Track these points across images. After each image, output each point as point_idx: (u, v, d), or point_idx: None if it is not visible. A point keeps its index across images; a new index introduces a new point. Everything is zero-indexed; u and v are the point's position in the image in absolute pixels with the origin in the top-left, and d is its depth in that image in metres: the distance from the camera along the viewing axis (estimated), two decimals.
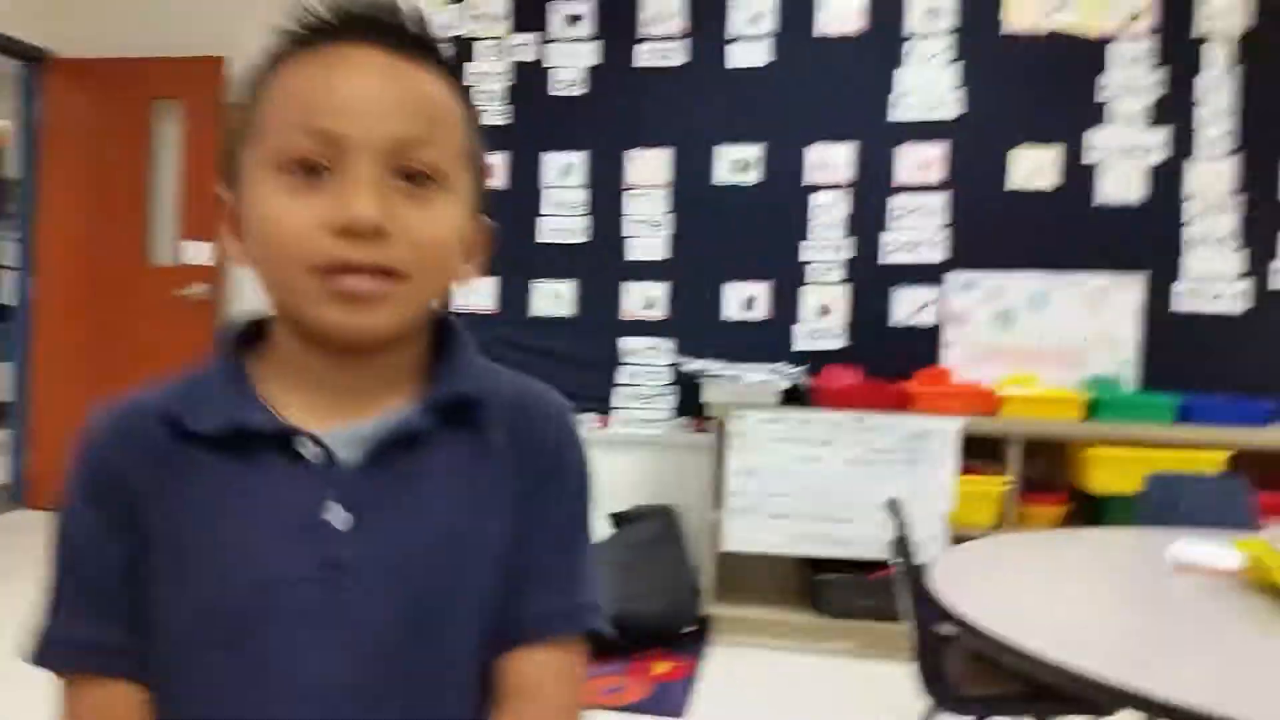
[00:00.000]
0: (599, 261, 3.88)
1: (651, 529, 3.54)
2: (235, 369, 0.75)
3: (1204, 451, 3.16)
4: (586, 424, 3.88)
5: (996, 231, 3.67)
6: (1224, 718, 1.39)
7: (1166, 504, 2.67)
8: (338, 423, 0.73)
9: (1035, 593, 2.09)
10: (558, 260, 3.92)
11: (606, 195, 3.88)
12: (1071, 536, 2.89)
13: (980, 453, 3.43)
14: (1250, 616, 1.86)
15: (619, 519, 3.61)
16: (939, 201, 3.69)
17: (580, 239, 3.91)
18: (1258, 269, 3.56)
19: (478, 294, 3.94)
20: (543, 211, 3.93)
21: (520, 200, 3.92)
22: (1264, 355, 3.55)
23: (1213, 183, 3.57)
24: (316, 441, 0.72)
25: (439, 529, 0.74)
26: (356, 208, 0.67)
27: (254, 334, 0.78)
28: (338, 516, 0.71)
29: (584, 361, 3.88)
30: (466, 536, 0.75)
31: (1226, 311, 3.58)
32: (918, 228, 3.71)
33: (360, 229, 0.67)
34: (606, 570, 3.33)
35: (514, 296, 3.95)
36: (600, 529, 3.56)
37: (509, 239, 3.92)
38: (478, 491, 0.76)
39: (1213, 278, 3.58)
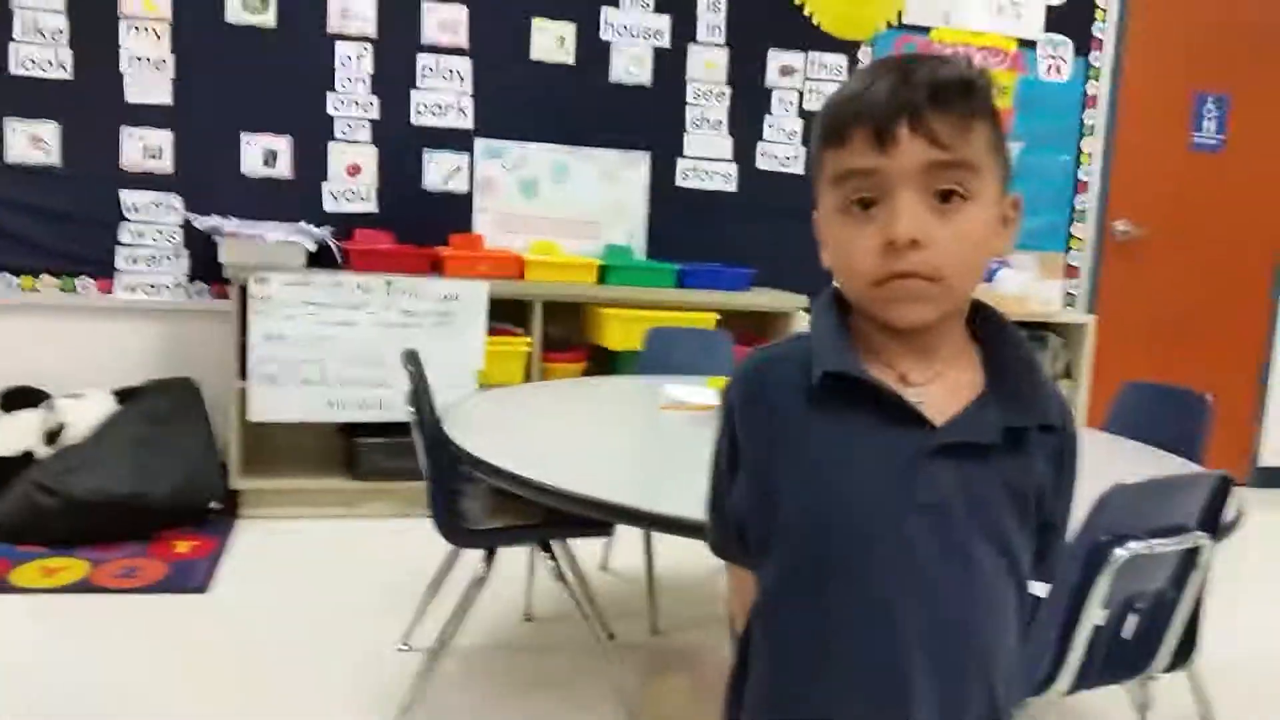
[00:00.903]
0: (87, 102, 3.38)
1: (167, 403, 3.26)
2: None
3: (698, 312, 3.59)
4: (84, 290, 3.43)
5: (519, 101, 3.77)
6: (700, 522, 1.63)
7: (664, 356, 3.00)
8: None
9: (546, 433, 2.26)
10: (34, 97, 3.34)
11: (95, 25, 3.36)
12: (577, 384, 3.16)
13: (507, 315, 3.59)
14: None
15: (129, 394, 3.27)
16: (465, 66, 3.70)
17: (62, 74, 3.36)
18: (746, 152, 4.06)
19: None
20: (16, 37, 3.31)
21: None
22: (749, 230, 4.07)
23: (710, 70, 3.97)
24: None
25: None
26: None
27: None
28: None
29: (77, 218, 3.39)
30: None
31: (720, 189, 4.04)
32: (445, 90, 3.70)
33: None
34: (117, 448, 3.03)
35: None
36: (106, 403, 3.21)
37: None
38: None
39: (709, 158, 4.01)
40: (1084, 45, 4.36)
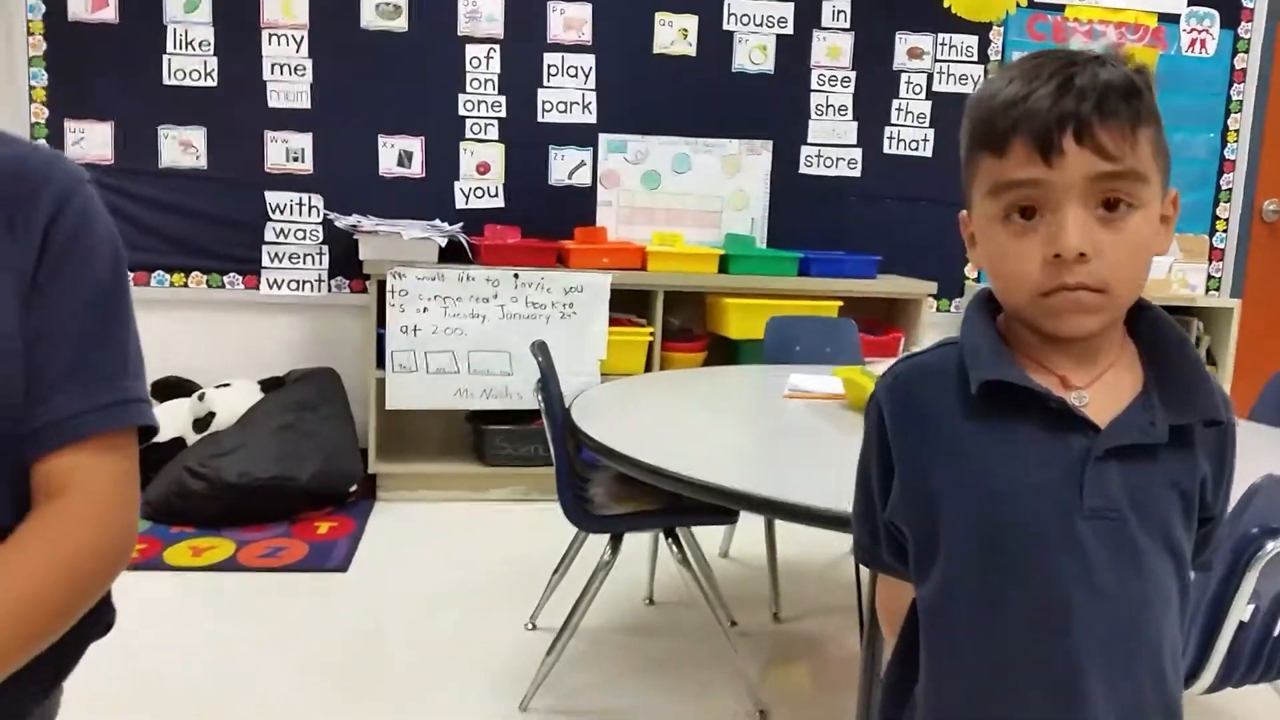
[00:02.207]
0: (233, 109, 3.58)
1: (310, 391, 3.43)
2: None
3: (821, 300, 3.56)
4: (232, 285, 3.64)
5: (641, 95, 3.81)
6: (817, 509, 1.63)
7: (786, 344, 2.99)
8: None
9: (670, 421, 2.29)
10: (185, 105, 3.56)
11: (238, 34, 3.55)
12: (703, 374, 3.18)
13: (630, 306, 3.64)
14: (846, 428, 2.17)
15: (274, 383, 3.46)
16: (589, 63, 3.76)
17: (210, 82, 3.57)
18: (872, 137, 3.99)
19: (88, 141, 3.50)
20: (168, 50, 3.53)
21: (139, 35, 3.49)
22: (874, 216, 4.01)
23: (834, 55, 3.92)
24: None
25: None
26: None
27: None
28: None
29: (225, 219, 3.60)
30: None
31: (845, 175, 3.99)
32: (570, 88, 3.77)
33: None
34: (263, 434, 3.20)
35: (136, 145, 3.54)
36: (252, 393, 3.40)
37: (127, 79, 3.51)
38: None
39: (833, 144, 3.97)
40: (1232, 17, 4.13)
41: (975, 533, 0.84)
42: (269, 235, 3.63)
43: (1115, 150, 0.77)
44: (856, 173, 4.01)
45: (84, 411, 0.73)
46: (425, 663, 2.36)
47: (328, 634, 2.47)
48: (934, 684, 0.89)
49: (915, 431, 0.87)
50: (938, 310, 4.10)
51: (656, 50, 3.81)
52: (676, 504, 2.18)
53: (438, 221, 3.60)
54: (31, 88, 3.48)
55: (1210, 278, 4.26)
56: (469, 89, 3.70)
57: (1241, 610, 1.40)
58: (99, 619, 0.75)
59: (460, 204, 3.74)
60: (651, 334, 3.56)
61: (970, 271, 4.17)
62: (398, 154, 3.68)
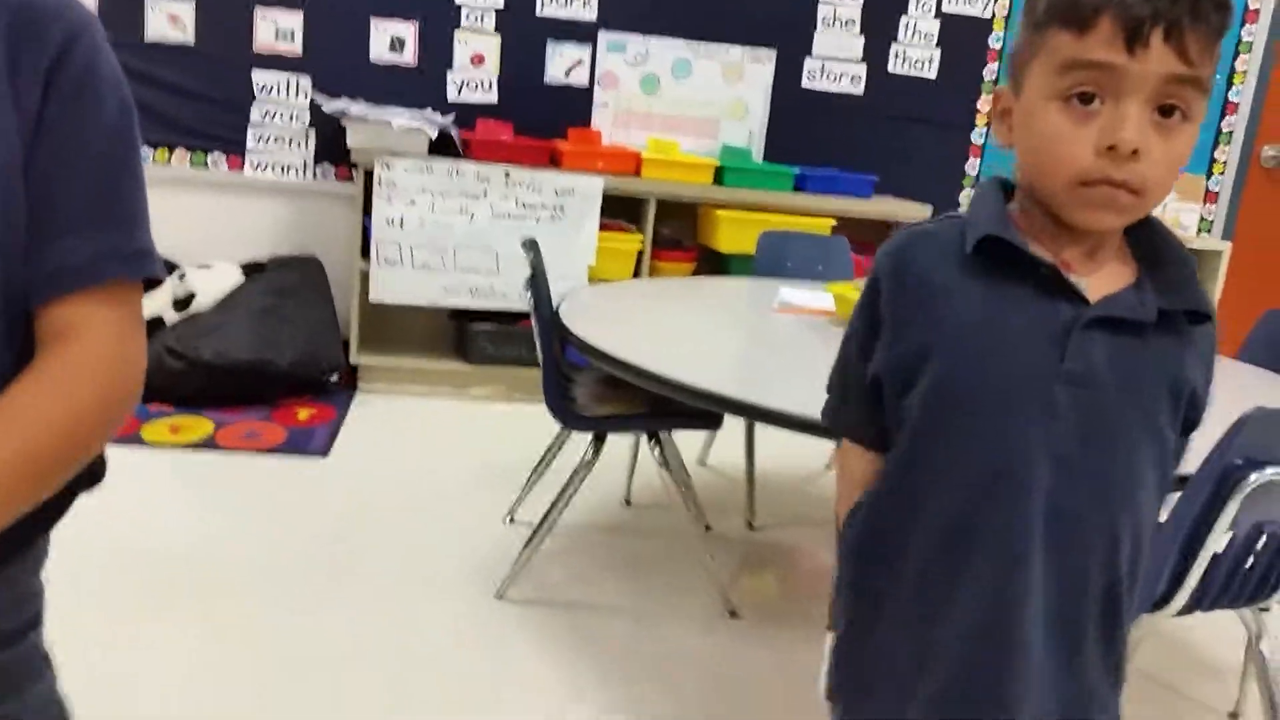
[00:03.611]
0: None
1: (292, 277, 3.39)
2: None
3: (815, 218, 3.52)
4: (215, 165, 3.55)
5: None
6: (803, 417, 1.63)
7: (778, 259, 2.97)
8: None
9: (655, 326, 2.28)
10: None
11: None
12: (693, 283, 3.16)
13: (621, 212, 3.59)
14: (836, 343, 2.16)
15: (256, 268, 3.40)
16: None
17: None
18: (877, 54, 3.91)
19: None
20: None
21: None
22: (873, 135, 3.96)
23: None
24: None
25: None
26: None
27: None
28: None
29: (212, 98, 3.50)
30: None
31: (847, 91, 3.92)
32: None
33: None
34: (243, 317, 3.16)
35: (121, 15, 3.41)
36: (233, 276, 3.34)
37: None
38: None
39: (838, 58, 3.89)
40: None
41: (950, 388, 0.86)
42: (254, 116, 3.53)
43: (1195, 57, 0.78)
44: (859, 90, 3.93)
45: (97, 257, 0.70)
46: (403, 551, 2.38)
47: (306, 518, 2.48)
48: (892, 551, 0.91)
49: (910, 290, 0.89)
50: None
51: None
52: (660, 408, 2.18)
53: (429, 112, 3.51)
54: None
55: (1203, 219, 4.25)
56: None
57: (1220, 540, 1.42)
58: (90, 471, 0.73)
59: (452, 96, 3.64)
60: (641, 242, 3.52)
61: (965, 198, 4.14)
62: (390, 39, 3.56)
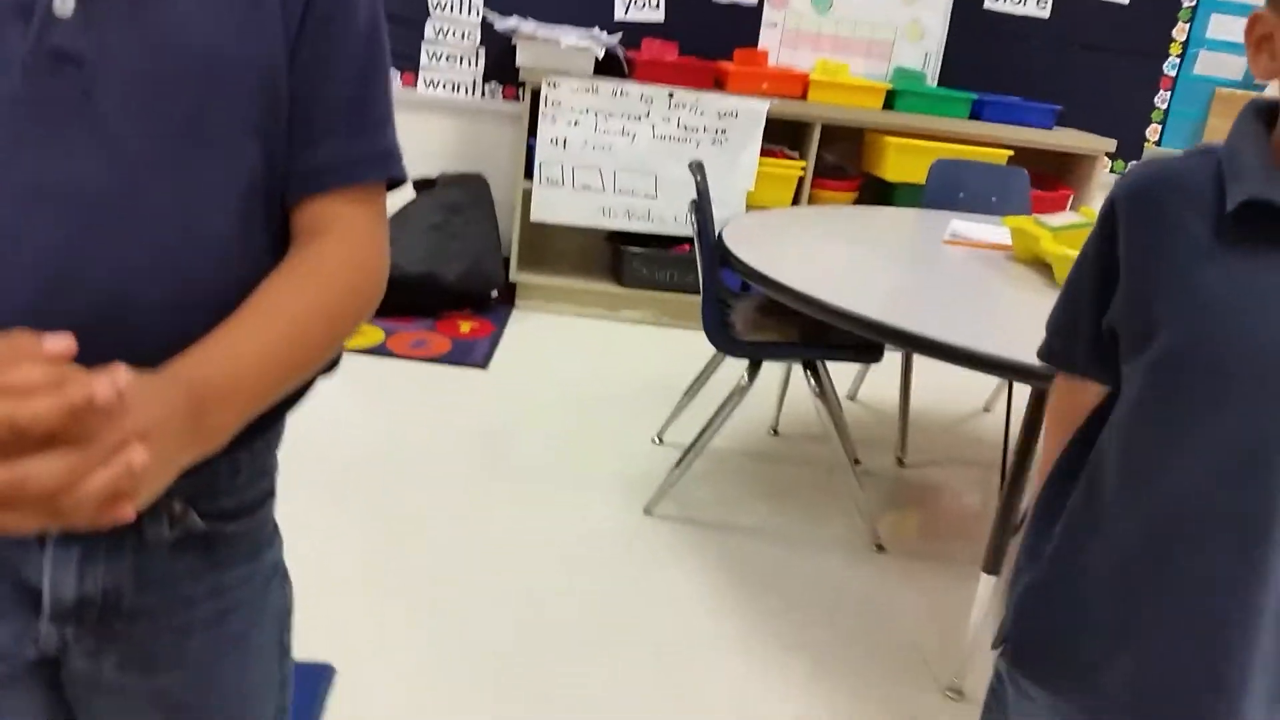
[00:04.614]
0: None
1: (460, 194, 3.48)
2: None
3: (991, 148, 3.37)
4: (395, 79, 3.65)
5: None
6: (973, 350, 1.59)
7: (950, 190, 2.86)
8: None
9: (818, 255, 2.24)
10: None
11: None
12: (856, 212, 3.08)
13: (784, 137, 3.51)
14: (1011, 279, 2.09)
15: (427, 183, 3.51)
16: None
17: None
18: None
19: None
20: None
21: None
22: (1058, 63, 3.73)
23: None
24: None
25: (193, 35, 0.66)
26: None
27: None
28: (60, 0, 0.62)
29: (388, 12, 3.57)
30: (225, 50, 0.67)
31: (1032, 14, 3.69)
32: None
33: None
34: (414, 231, 3.28)
35: None
36: (405, 190, 3.46)
37: None
38: (240, 1, 0.68)
39: None
40: None
41: (1197, 359, 0.78)
42: (428, 33, 3.61)
43: None
44: (1045, 13, 3.69)
45: (352, 159, 0.73)
46: (557, 461, 2.46)
47: (467, 425, 2.59)
48: (1107, 521, 0.85)
49: (1155, 243, 0.80)
50: (1112, 171, 3.83)
51: None
52: (818, 337, 2.16)
53: (596, 30, 3.50)
54: None
55: None
56: None
57: None
58: (333, 359, 0.78)
59: (619, 14, 3.62)
60: (803, 168, 3.45)
61: (1152, 134, 3.86)
62: None
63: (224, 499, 0.78)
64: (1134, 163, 0.86)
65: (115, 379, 0.55)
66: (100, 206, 0.64)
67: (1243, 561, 0.78)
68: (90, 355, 0.62)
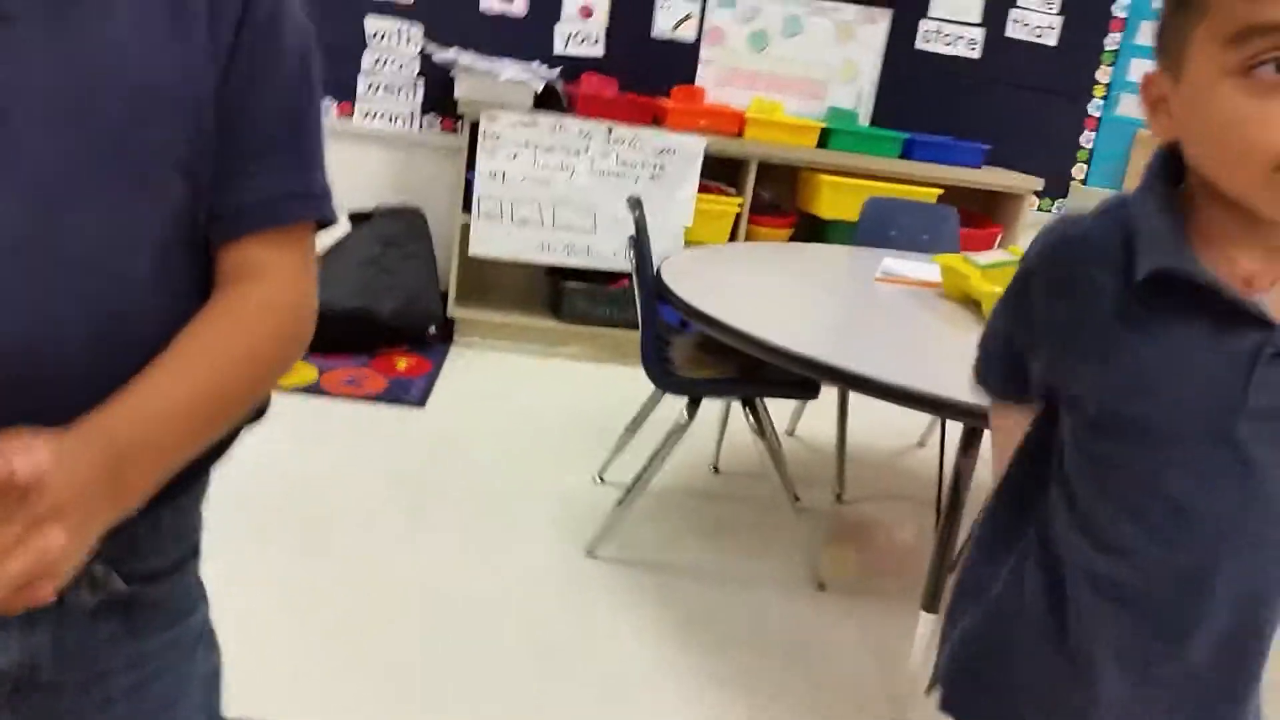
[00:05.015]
0: None
1: (396, 228, 3.44)
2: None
3: (923, 187, 3.43)
4: (326, 111, 3.61)
5: None
6: (906, 388, 1.60)
7: (882, 227, 2.90)
8: None
9: (755, 291, 2.26)
10: None
11: None
12: (793, 249, 3.12)
13: (720, 173, 3.54)
14: (941, 316, 2.12)
15: (363, 216, 3.47)
16: None
17: None
18: (996, 17, 3.77)
19: None
20: None
21: None
22: (987, 103, 3.82)
23: None
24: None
25: (116, 63, 0.63)
26: None
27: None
28: None
29: (324, 42, 3.53)
30: (149, 78, 0.65)
31: (963, 55, 3.79)
32: None
33: None
34: (349, 265, 3.23)
35: None
36: (341, 223, 3.41)
37: None
38: (167, 27, 0.65)
39: (956, 20, 3.75)
40: None
41: (1119, 421, 0.79)
42: (365, 63, 3.58)
43: None
44: (975, 54, 3.80)
45: (282, 198, 0.71)
46: (497, 500, 2.42)
47: (403, 465, 2.54)
48: (1054, 554, 0.85)
49: (1066, 303, 0.81)
50: (1038, 209, 3.94)
51: None
52: (756, 374, 2.16)
53: (535, 64, 3.51)
54: None
55: None
56: None
57: None
58: (259, 407, 0.75)
59: (559, 49, 3.63)
60: (740, 204, 3.48)
61: (1078, 173, 3.98)
62: None
63: (147, 559, 0.74)
64: (1048, 220, 0.87)
65: (34, 456, 0.52)
66: (15, 247, 0.61)
67: (1179, 618, 0.78)
68: (5, 405, 0.59)
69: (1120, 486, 0.80)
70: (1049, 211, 3.98)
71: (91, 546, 0.58)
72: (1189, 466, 0.76)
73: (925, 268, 2.37)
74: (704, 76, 3.72)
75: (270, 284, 0.71)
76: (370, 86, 3.60)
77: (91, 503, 0.57)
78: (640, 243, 2.20)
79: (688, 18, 3.65)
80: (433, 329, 3.44)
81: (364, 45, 3.56)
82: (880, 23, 3.73)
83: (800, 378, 2.07)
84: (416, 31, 3.56)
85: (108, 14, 0.63)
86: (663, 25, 3.66)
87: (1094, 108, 3.92)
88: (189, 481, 0.74)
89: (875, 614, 2.16)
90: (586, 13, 3.61)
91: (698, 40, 3.68)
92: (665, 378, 2.20)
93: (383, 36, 3.56)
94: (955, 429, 1.93)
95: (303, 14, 0.74)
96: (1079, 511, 0.83)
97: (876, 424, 3.02)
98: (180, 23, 0.66)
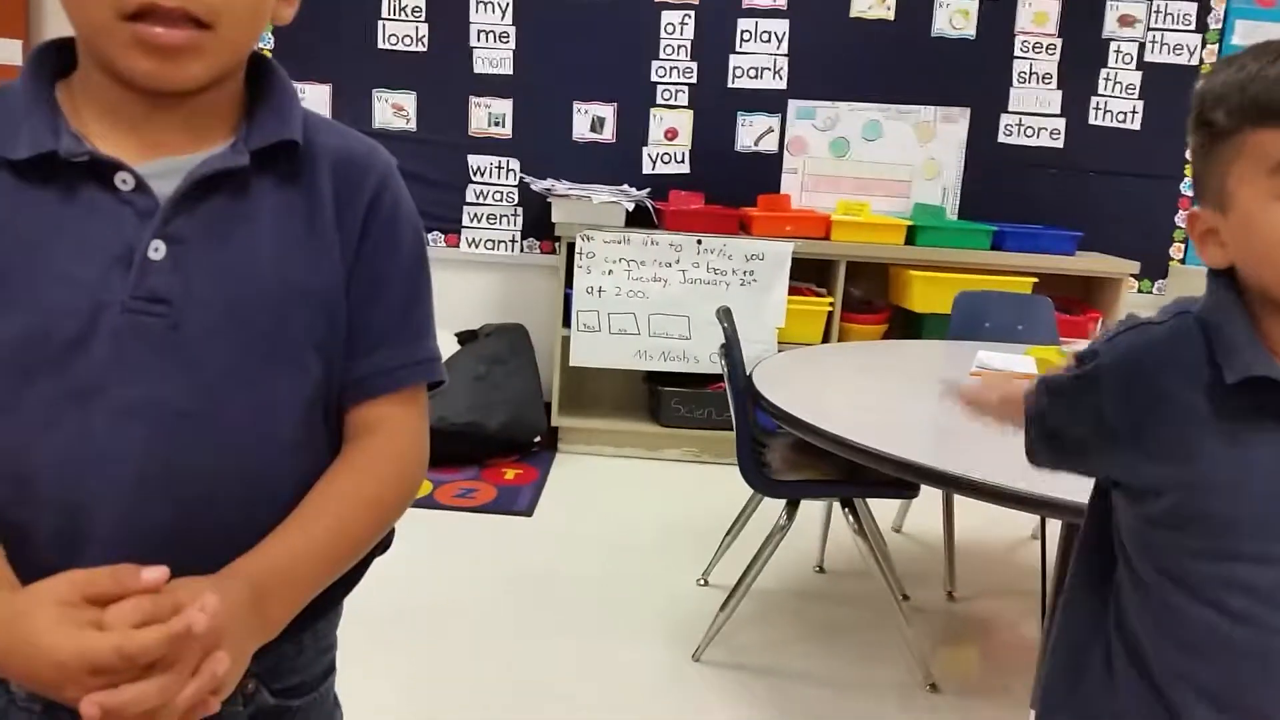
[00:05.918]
0: (441, 74, 3.76)
1: (502, 345, 3.61)
2: (46, 96, 0.74)
3: (1014, 276, 3.45)
4: (434, 243, 3.85)
5: (835, 61, 3.76)
6: (1007, 488, 1.62)
7: (976, 320, 2.93)
8: (151, 160, 0.73)
9: (848, 391, 2.30)
10: (397, 69, 3.76)
11: (448, 1, 3.72)
12: (884, 346, 3.15)
13: (811, 275, 3.63)
14: None
15: (470, 335, 3.65)
16: (783, 28, 3.74)
17: (420, 47, 3.75)
18: (1077, 107, 3.81)
19: (308, 101, 3.76)
20: (383, 15, 3.74)
21: (356, 1, 3.71)
22: (1075, 190, 3.84)
23: (1040, 22, 3.75)
24: (131, 174, 0.72)
25: (266, 272, 0.76)
26: None
27: (64, 61, 0.76)
28: (154, 248, 0.72)
29: (432, 180, 3.81)
30: (293, 282, 0.78)
31: (1046, 145, 3.83)
32: (762, 53, 3.76)
33: None
34: (458, 383, 3.40)
35: (352, 106, 3.78)
36: (449, 344, 3.60)
37: (345, 43, 3.73)
38: (306, 240, 0.79)
39: (1035, 113, 3.81)
40: None
41: (1195, 519, 0.82)
42: (469, 196, 3.82)
43: None
44: (1059, 144, 3.83)
45: (400, 367, 0.84)
46: (603, 605, 2.48)
47: (513, 572, 2.63)
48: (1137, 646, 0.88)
49: (1148, 415, 0.84)
50: (1139, 291, 3.89)
51: (853, 14, 3.74)
52: (854, 474, 2.19)
53: (625, 186, 3.69)
54: (259, 49, 3.75)
55: None
56: (662, 55, 3.75)
57: None
58: (383, 541, 0.86)
59: (647, 169, 3.81)
60: (831, 304, 3.55)
61: (1175, 252, 3.93)
62: (591, 119, 3.78)
63: (290, 676, 0.85)
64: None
65: (207, 608, 0.64)
66: (184, 421, 0.74)
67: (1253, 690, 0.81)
68: (176, 547, 0.71)
69: (1193, 578, 0.83)
70: (1149, 293, 3.92)
71: (245, 668, 0.70)
72: (1269, 556, 0.80)
73: (1020, 360, 2.39)
74: (789, 184, 3.84)
75: (391, 436, 0.84)
76: (474, 217, 3.83)
77: (244, 631, 0.70)
78: (731, 352, 2.28)
79: (769, 131, 3.80)
80: (538, 439, 3.56)
81: (468, 180, 3.81)
82: (959, 121, 3.81)
83: (899, 478, 2.09)
84: (514, 164, 3.79)
85: (257, 233, 0.77)
86: (745, 140, 3.81)
87: (1185, 187, 3.89)
88: (325, 609, 0.86)
89: (991, 716, 2.12)
90: (672, 134, 3.80)
91: (780, 151, 3.82)
92: (762, 481, 2.24)
93: (484, 171, 3.80)
94: (1056, 522, 1.92)
95: (412, 204, 0.87)
96: (1155, 612, 0.86)
97: (985, 517, 2.97)
98: (314, 236, 0.79)
